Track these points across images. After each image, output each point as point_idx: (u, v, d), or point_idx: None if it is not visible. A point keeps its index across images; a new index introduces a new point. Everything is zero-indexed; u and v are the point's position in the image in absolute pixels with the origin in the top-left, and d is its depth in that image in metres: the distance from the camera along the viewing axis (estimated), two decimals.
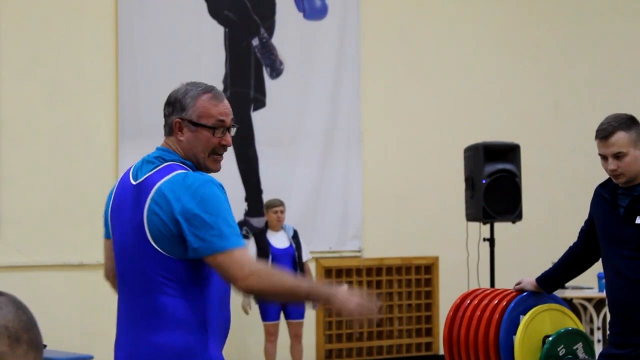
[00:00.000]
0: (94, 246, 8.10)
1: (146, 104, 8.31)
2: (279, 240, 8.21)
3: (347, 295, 2.73)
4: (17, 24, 7.92)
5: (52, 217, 7.96)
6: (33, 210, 7.89)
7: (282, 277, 2.76)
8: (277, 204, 8.22)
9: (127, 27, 8.28)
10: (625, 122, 3.91)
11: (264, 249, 8.11)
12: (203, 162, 2.89)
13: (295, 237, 8.25)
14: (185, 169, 2.82)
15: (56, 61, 8.04)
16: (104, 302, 8.11)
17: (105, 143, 8.20)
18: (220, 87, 8.63)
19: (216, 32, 8.68)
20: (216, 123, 2.87)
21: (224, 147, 2.91)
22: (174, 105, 2.89)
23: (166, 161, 2.84)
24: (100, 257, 8.14)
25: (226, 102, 2.92)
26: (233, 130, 2.94)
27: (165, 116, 2.93)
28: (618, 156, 3.87)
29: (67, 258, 8.01)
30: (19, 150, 7.90)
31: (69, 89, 8.07)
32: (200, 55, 8.60)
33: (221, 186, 2.79)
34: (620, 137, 3.87)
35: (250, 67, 8.83)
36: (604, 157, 3.92)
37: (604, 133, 3.90)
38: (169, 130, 2.91)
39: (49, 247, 7.94)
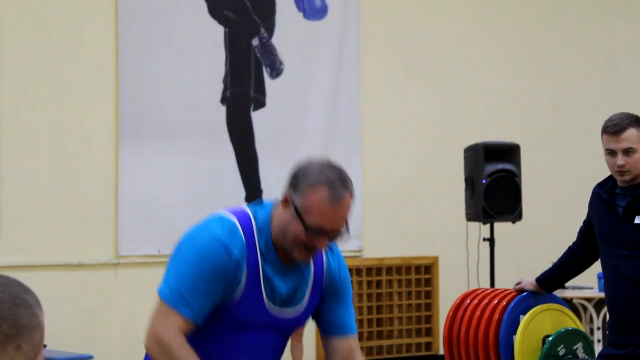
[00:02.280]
0: (94, 246, 8.12)
1: (146, 104, 8.31)
2: None
3: None
4: (17, 23, 7.92)
5: (52, 217, 7.96)
6: (33, 210, 7.89)
7: None
8: None
9: (127, 27, 8.27)
10: (636, 119, 3.91)
11: None
12: (289, 249, 2.65)
13: None
14: (250, 229, 2.65)
15: (56, 61, 8.04)
16: (104, 302, 8.12)
17: (105, 143, 8.20)
18: (220, 87, 8.64)
19: (216, 32, 8.68)
20: (315, 227, 2.59)
21: (314, 247, 2.64)
22: (293, 178, 2.64)
23: (248, 216, 2.68)
24: (100, 257, 8.17)
25: (340, 210, 2.59)
26: (339, 236, 2.65)
27: (287, 180, 2.69)
28: (628, 152, 3.86)
29: (67, 258, 8.01)
30: (19, 150, 7.90)
31: (69, 89, 8.07)
32: (200, 55, 8.60)
33: (216, 249, 2.59)
34: (632, 134, 3.87)
35: (250, 67, 8.83)
36: (612, 153, 3.90)
37: (615, 128, 3.88)
38: (281, 197, 2.69)
39: (49, 247, 7.94)
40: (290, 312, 2.74)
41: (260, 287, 2.65)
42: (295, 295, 2.73)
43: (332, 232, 2.61)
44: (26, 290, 1.55)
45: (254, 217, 2.67)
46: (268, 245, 2.66)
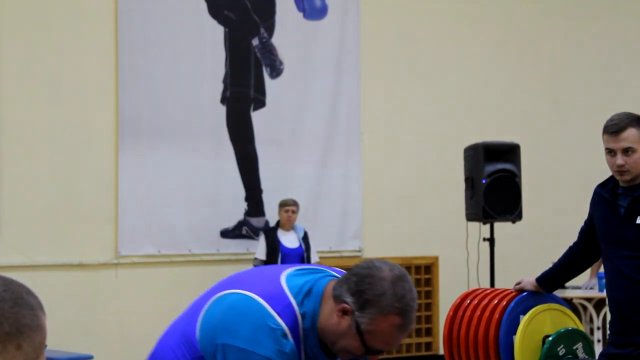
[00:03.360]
0: (94, 246, 8.12)
1: (146, 104, 8.31)
2: (289, 239, 8.25)
3: None
4: (17, 23, 7.92)
5: (52, 217, 7.96)
6: (33, 210, 7.89)
7: None
8: (290, 203, 8.29)
9: (127, 27, 8.28)
10: (636, 119, 3.90)
11: (274, 247, 8.14)
12: (334, 350, 2.51)
13: (305, 238, 8.30)
14: (297, 332, 2.47)
15: (56, 61, 8.04)
16: (104, 302, 8.12)
17: (105, 143, 8.20)
18: (220, 87, 8.64)
19: (216, 32, 8.68)
20: (376, 348, 2.45)
21: (362, 357, 2.52)
22: (360, 294, 2.41)
23: (292, 305, 2.48)
24: (100, 257, 8.17)
25: (406, 333, 2.47)
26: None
27: (348, 277, 2.46)
28: (627, 152, 3.86)
29: (67, 258, 8.01)
30: (19, 150, 7.90)
31: (69, 88, 8.07)
32: (200, 55, 8.60)
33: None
34: (632, 133, 3.86)
35: (250, 67, 8.83)
36: (612, 153, 3.90)
37: (615, 128, 3.88)
38: (337, 296, 2.45)
39: (49, 247, 7.94)
40: None
41: None
42: None
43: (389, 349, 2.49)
44: (29, 292, 1.55)
45: (301, 314, 2.48)
46: (315, 346, 2.52)
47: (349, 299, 2.42)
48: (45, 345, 1.58)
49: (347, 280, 2.46)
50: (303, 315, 2.48)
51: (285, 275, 2.55)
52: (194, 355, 2.54)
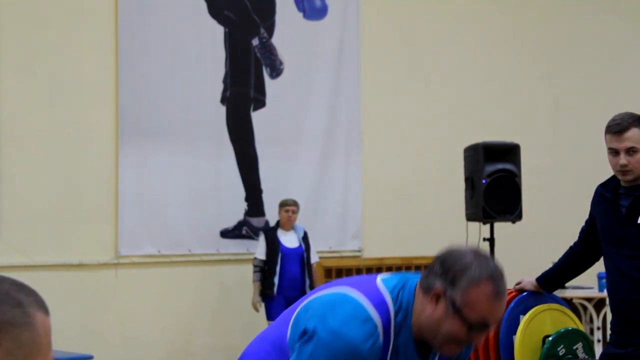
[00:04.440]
0: (94, 246, 8.11)
1: (146, 104, 8.31)
2: (289, 239, 8.25)
3: None
4: (17, 23, 7.92)
5: (52, 217, 7.96)
6: (33, 210, 7.89)
7: None
8: (290, 203, 8.28)
9: (127, 27, 8.27)
10: (639, 119, 3.90)
11: (274, 247, 8.13)
12: (437, 344, 2.49)
13: (305, 238, 8.30)
14: (388, 326, 2.45)
15: (56, 61, 8.04)
16: (104, 302, 8.12)
17: (105, 143, 8.20)
18: (220, 87, 8.63)
19: (216, 32, 8.67)
20: (478, 322, 2.43)
21: (467, 342, 2.50)
22: (447, 272, 2.46)
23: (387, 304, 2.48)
24: (100, 257, 8.17)
25: (503, 303, 2.47)
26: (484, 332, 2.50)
27: (431, 268, 2.52)
28: (630, 152, 3.85)
29: (67, 258, 8.01)
30: (18, 150, 7.89)
31: (69, 88, 8.07)
32: (200, 55, 8.59)
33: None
34: (635, 133, 3.85)
35: (250, 67, 8.83)
36: (615, 152, 3.89)
37: (618, 127, 3.87)
38: (426, 287, 2.49)
39: (49, 247, 7.94)
40: None
41: None
42: None
43: (493, 325, 2.48)
44: (22, 289, 1.51)
45: (394, 311, 2.49)
46: (408, 340, 2.50)
47: (438, 283, 2.45)
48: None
49: (431, 270, 2.51)
50: (397, 312, 2.48)
51: (381, 277, 2.59)
52: None
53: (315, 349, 2.42)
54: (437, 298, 2.45)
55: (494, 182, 7.44)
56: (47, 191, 7.96)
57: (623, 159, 3.85)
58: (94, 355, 7.07)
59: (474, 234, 7.85)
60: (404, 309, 2.49)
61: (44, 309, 1.51)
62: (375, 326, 2.43)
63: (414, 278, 2.57)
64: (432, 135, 9.54)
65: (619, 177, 3.93)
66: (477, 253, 2.49)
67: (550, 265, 4.36)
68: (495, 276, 2.44)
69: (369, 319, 2.44)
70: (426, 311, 2.47)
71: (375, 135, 9.33)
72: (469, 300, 2.41)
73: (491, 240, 7.64)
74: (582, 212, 4.40)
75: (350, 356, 2.39)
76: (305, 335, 2.45)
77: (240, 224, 8.72)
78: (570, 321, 4.28)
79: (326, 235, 9.00)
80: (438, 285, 2.45)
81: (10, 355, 1.43)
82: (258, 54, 8.87)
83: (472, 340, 2.47)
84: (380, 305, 2.47)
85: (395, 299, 2.50)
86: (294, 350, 2.47)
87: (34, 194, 7.92)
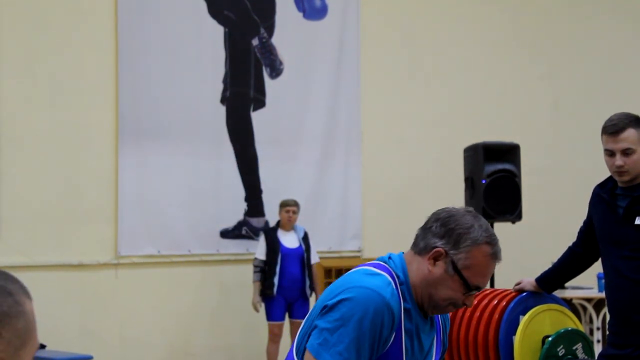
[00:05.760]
0: (93, 246, 8.12)
1: (146, 104, 8.31)
2: (289, 240, 8.25)
3: None
4: (16, 23, 7.92)
5: (52, 217, 7.96)
6: (33, 210, 7.89)
7: None
8: (291, 203, 8.28)
9: (127, 27, 8.27)
10: (635, 120, 3.89)
11: (274, 248, 8.13)
12: (434, 305, 2.53)
13: (305, 238, 8.29)
14: (388, 286, 2.47)
15: (56, 61, 8.04)
16: (104, 302, 8.12)
17: (105, 143, 8.20)
18: (220, 87, 8.64)
19: (216, 32, 8.68)
20: (475, 285, 2.50)
21: (463, 305, 2.55)
22: (449, 233, 2.48)
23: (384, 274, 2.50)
24: (100, 257, 8.17)
25: (494, 267, 2.53)
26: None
27: (427, 228, 2.54)
28: (627, 153, 3.85)
29: (67, 258, 8.01)
30: (18, 150, 7.90)
31: (69, 89, 8.07)
32: (200, 55, 8.60)
33: (386, 314, 2.42)
34: (631, 134, 3.84)
35: (250, 67, 8.83)
36: (611, 153, 3.89)
37: (614, 128, 3.86)
38: (423, 247, 2.52)
39: (49, 247, 7.94)
40: None
41: (402, 346, 2.51)
42: (430, 350, 2.62)
43: (484, 287, 2.55)
44: (8, 278, 1.51)
45: (395, 274, 2.53)
46: (413, 303, 2.53)
47: (439, 242, 2.49)
48: (44, 345, 1.56)
49: (429, 230, 2.53)
50: (397, 275, 2.52)
51: (363, 264, 2.63)
52: None
53: (340, 309, 2.42)
54: (435, 258, 2.49)
55: (493, 182, 7.44)
56: (47, 191, 7.96)
57: (619, 160, 3.85)
58: (94, 355, 7.08)
59: None
60: (402, 273, 2.53)
61: (29, 295, 1.53)
62: (393, 287, 2.48)
63: (396, 254, 2.62)
64: (432, 135, 9.54)
65: (616, 177, 3.93)
66: (475, 215, 2.54)
67: (550, 266, 4.36)
68: (493, 239, 2.50)
69: (380, 274, 2.48)
70: (422, 273, 2.51)
71: (375, 136, 9.33)
72: (470, 262, 2.46)
73: None
74: (581, 212, 4.40)
75: (375, 302, 2.40)
76: (325, 309, 2.46)
77: (240, 224, 8.72)
78: (570, 321, 4.28)
79: (326, 236, 9.00)
80: (439, 245, 2.49)
81: (10, 346, 1.46)
82: (258, 54, 8.87)
83: (466, 302, 2.52)
84: (384, 269, 2.52)
85: (392, 266, 2.55)
86: (315, 326, 2.47)
87: (34, 194, 7.92)
